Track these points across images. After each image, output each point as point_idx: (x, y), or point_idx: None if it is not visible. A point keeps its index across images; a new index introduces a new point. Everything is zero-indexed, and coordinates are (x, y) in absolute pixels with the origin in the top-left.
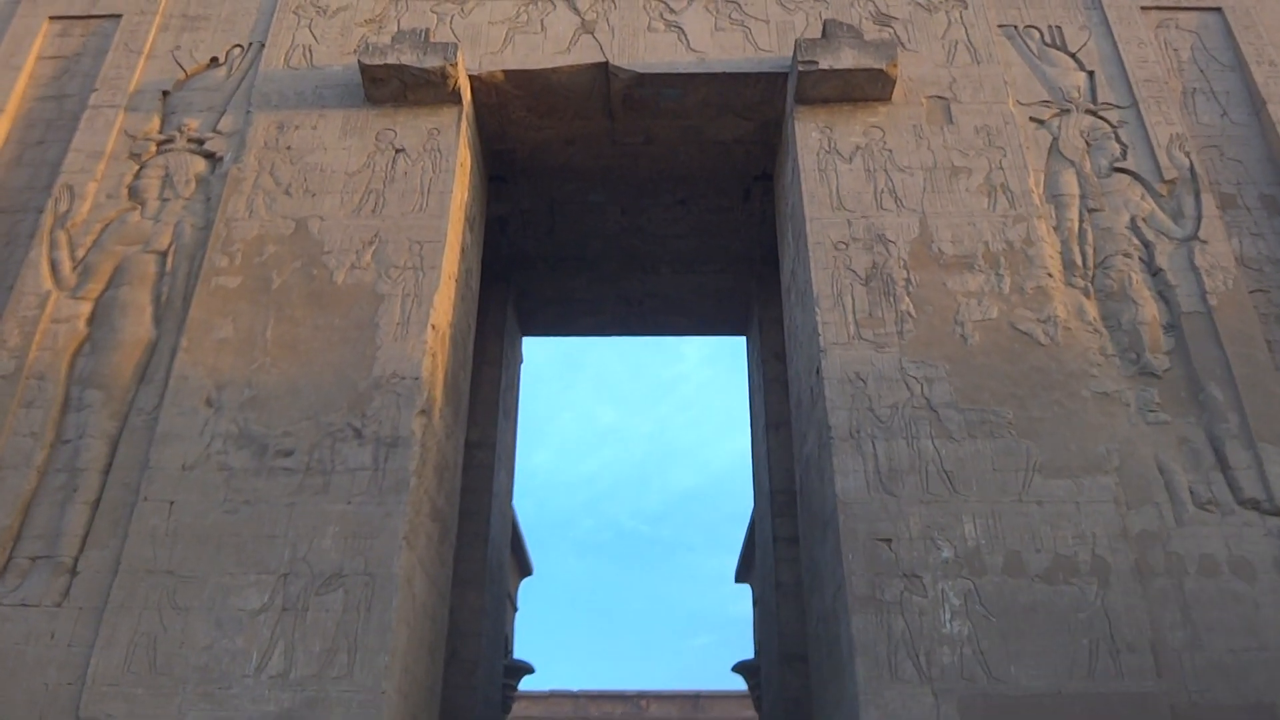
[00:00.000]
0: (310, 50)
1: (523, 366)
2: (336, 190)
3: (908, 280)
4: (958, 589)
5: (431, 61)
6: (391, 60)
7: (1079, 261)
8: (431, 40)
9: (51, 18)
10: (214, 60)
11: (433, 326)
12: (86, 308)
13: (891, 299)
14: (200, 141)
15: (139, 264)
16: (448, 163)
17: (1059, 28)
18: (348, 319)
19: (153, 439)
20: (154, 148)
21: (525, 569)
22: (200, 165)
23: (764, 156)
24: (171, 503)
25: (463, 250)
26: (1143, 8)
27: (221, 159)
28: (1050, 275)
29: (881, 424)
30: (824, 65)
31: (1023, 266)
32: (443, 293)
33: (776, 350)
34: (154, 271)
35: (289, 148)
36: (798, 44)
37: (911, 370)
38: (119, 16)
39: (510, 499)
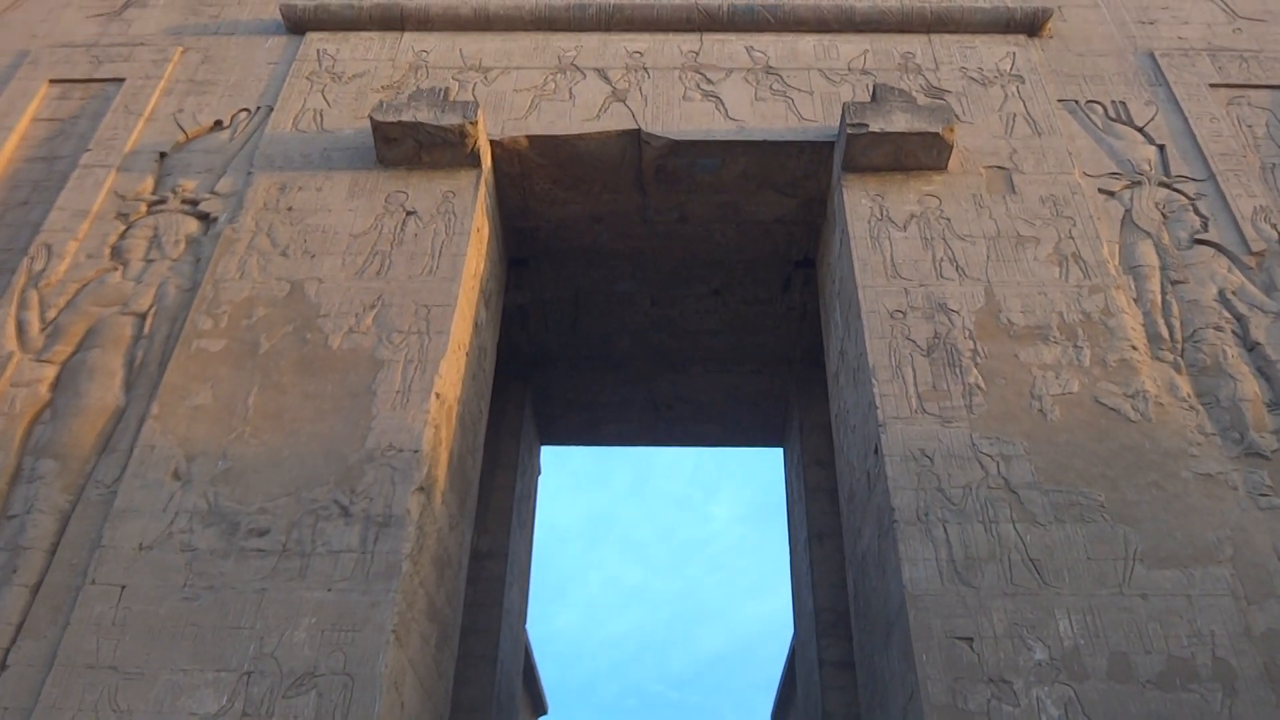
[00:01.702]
0: (321, 114)
1: (540, 479)
2: (338, 252)
3: (975, 351)
4: (1056, 697)
5: (450, 119)
6: (407, 118)
7: (1165, 335)
8: (451, 100)
9: (52, 81)
10: (218, 123)
11: (437, 395)
12: (51, 371)
13: (958, 370)
14: (195, 202)
15: (114, 326)
16: (462, 225)
17: (1123, 103)
18: (341, 386)
19: (109, 514)
20: (144, 208)
21: (540, 707)
22: (192, 226)
23: (806, 239)
24: (123, 587)
25: (476, 324)
26: (1211, 85)
27: (216, 220)
28: (1134, 348)
29: (953, 506)
30: (875, 128)
31: (1103, 338)
32: (450, 361)
33: (819, 456)
34: (130, 334)
35: (290, 209)
36: (845, 107)
37: (985, 447)
38: (122, 81)
39: (524, 621)
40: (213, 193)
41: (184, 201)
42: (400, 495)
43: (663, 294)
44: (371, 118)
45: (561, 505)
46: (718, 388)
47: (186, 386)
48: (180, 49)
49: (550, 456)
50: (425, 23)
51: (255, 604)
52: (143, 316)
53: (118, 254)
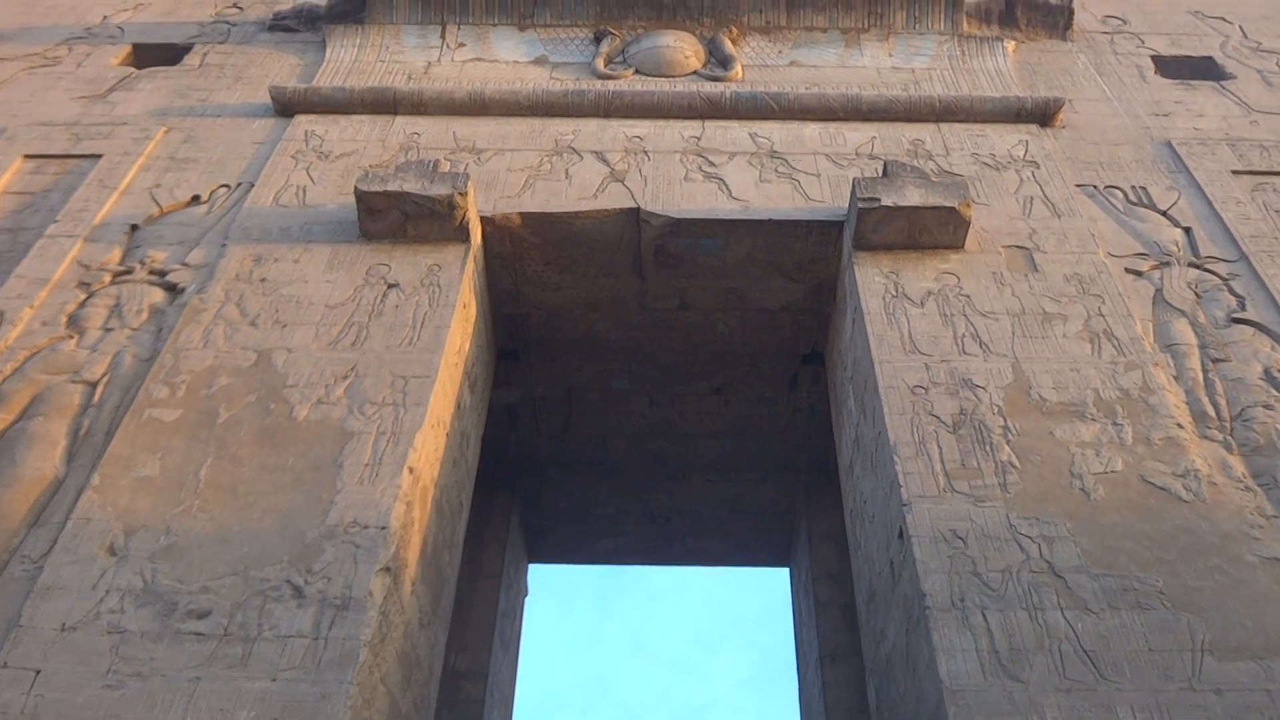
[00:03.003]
0: (304, 190)
1: (528, 600)
2: (312, 322)
3: (1006, 428)
4: None
5: (438, 190)
6: (393, 187)
7: (1211, 413)
8: (441, 171)
9: (26, 155)
10: (195, 198)
11: (410, 469)
12: None
13: (988, 448)
14: (163, 273)
15: (62, 394)
16: (447, 298)
17: (1144, 188)
18: (305, 459)
19: (31, 592)
20: (108, 278)
21: None
22: (158, 296)
23: (814, 329)
24: (37, 672)
25: (459, 405)
26: (1234, 171)
27: (183, 290)
28: (1180, 426)
29: (992, 591)
30: (887, 202)
31: (1145, 416)
32: (427, 435)
33: (829, 569)
34: (78, 403)
35: (264, 279)
36: (856, 182)
37: (1024, 528)
38: (99, 157)
39: None
40: (183, 264)
41: (151, 272)
42: (362, 575)
43: (661, 392)
44: (356, 188)
45: (547, 664)
46: (720, 498)
47: (133, 457)
48: (164, 128)
49: (540, 602)
50: (419, 107)
51: (187, 694)
52: (94, 385)
53: (74, 322)
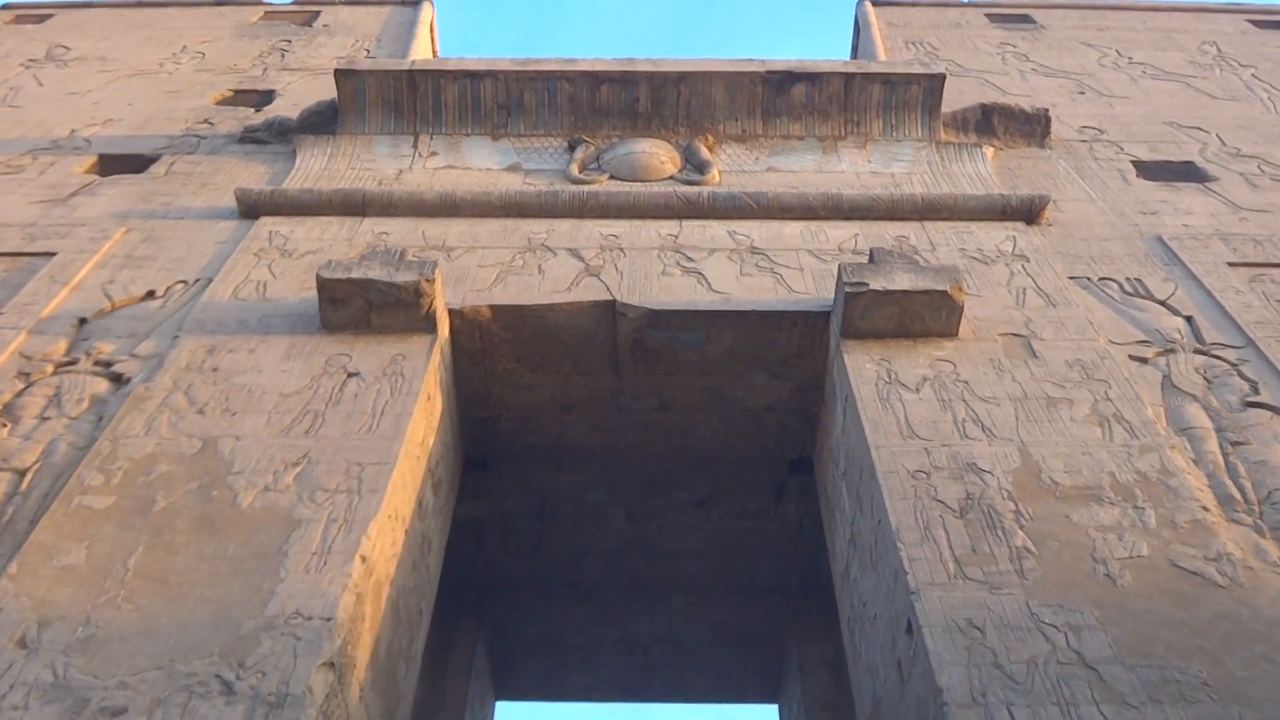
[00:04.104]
0: (265, 285)
1: None
2: (264, 410)
3: (1017, 513)
4: None
5: (404, 277)
6: (357, 275)
7: (1237, 496)
8: (407, 259)
9: None
10: (150, 293)
11: (362, 558)
12: None
13: (1000, 533)
14: (108, 364)
15: None
16: (410, 387)
17: (1139, 279)
18: (247, 547)
19: None
20: (51, 368)
21: None
22: (101, 386)
23: (801, 431)
24: None
25: (420, 504)
26: (1230, 264)
27: (130, 379)
28: (1206, 509)
29: (1017, 685)
30: (876, 286)
31: (1167, 499)
32: (383, 524)
33: (823, 698)
34: (3, 491)
35: (215, 369)
36: (842, 268)
37: (1047, 616)
38: (53, 255)
39: None
40: (132, 355)
41: (97, 363)
42: (302, 670)
43: (639, 506)
44: (319, 275)
45: None
46: (703, 625)
47: (57, 545)
48: (124, 229)
49: None
50: (388, 208)
51: None
52: (23, 473)
53: (9, 411)
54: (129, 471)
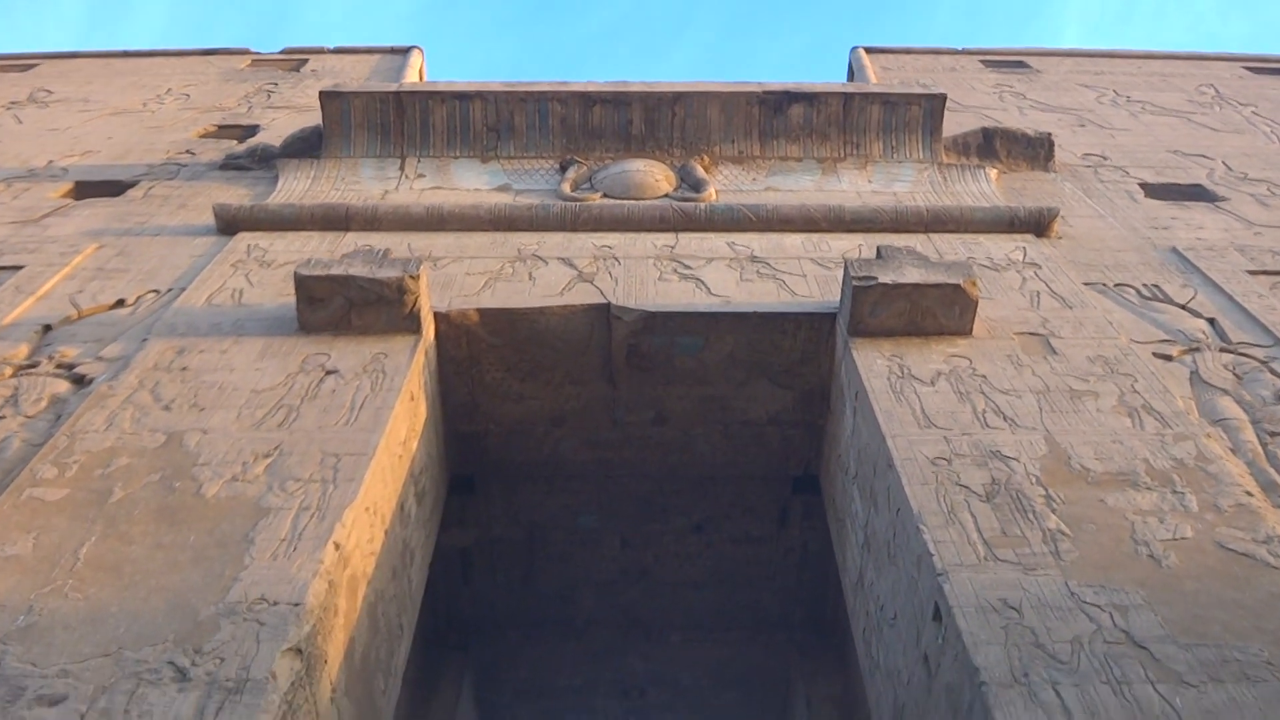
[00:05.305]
0: (241, 292)
1: None
2: (235, 406)
3: (1049, 497)
4: None
5: (387, 273)
6: (337, 272)
7: None
8: (391, 257)
9: None
10: (120, 302)
11: (336, 545)
12: None
13: (1031, 516)
14: (71, 366)
15: None
16: (392, 383)
17: (1156, 285)
18: (210, 536)
19: None
20: (10, 371)
21: None
22: (61, 387)
23: (806, 446)
24: None
25: (402, 508)
26: (1249, 271)
27: (92, 380)
28: (1250, 494)
29: (1062, 664)
30: (885, 280)
31: (1208, 484)
32: (359, 514)
33: None
34: None
35: (184, 368)
36: (849, 262)
37: (1089, 596)
38: (21, 268)
39: None
40: (97, 358)
41: (59, 366)
42: (265, 655)
43: (635, 531)
44: (296, 273)
45: None
46: (702, 663)
47: (4, 536)
48: (96, 245)
49: None
50: (372, 222)
51: None
52: None
53: None
54: (85, 465)
